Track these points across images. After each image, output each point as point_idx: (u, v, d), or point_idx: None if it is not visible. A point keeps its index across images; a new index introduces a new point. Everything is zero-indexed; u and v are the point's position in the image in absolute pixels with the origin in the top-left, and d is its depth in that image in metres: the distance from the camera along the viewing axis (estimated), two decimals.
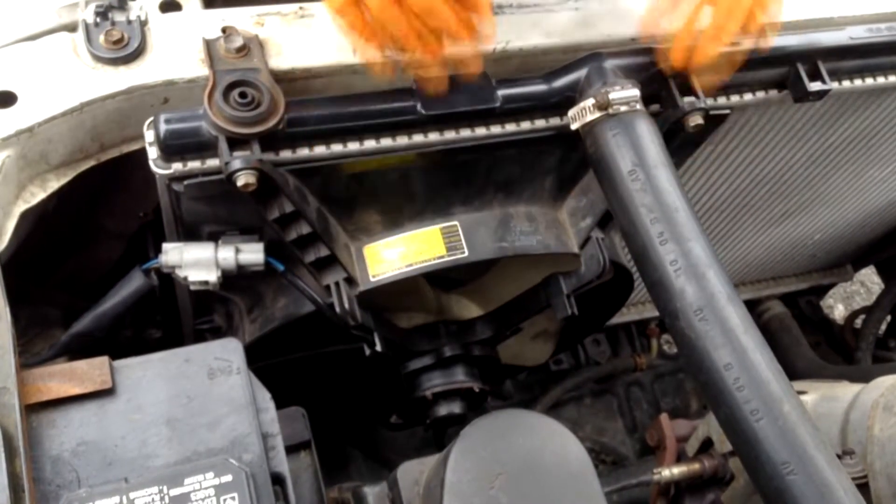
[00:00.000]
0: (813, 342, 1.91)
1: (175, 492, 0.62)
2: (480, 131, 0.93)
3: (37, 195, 0.88)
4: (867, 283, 2.75)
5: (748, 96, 1.04)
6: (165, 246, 0.91)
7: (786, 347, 1.81)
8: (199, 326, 1.13)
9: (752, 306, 1.85)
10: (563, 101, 0.93)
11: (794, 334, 1.85)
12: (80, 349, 0.93)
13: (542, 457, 0.77)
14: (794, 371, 1.70)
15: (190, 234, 0.92)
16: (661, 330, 1.87)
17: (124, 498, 0.62)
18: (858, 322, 1.90)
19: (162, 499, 0.62)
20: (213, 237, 0.92)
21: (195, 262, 0.90)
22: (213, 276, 0.87)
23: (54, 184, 0.89)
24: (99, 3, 0.88)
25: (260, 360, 0.97)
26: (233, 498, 0.63)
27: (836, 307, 2.70)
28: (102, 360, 0.67)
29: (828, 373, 1.68)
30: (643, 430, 1.81)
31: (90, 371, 0.66)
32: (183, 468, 0.64)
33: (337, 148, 0.88)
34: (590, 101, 0.89)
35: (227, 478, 0.64)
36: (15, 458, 0.61)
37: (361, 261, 0.97)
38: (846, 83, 1.08)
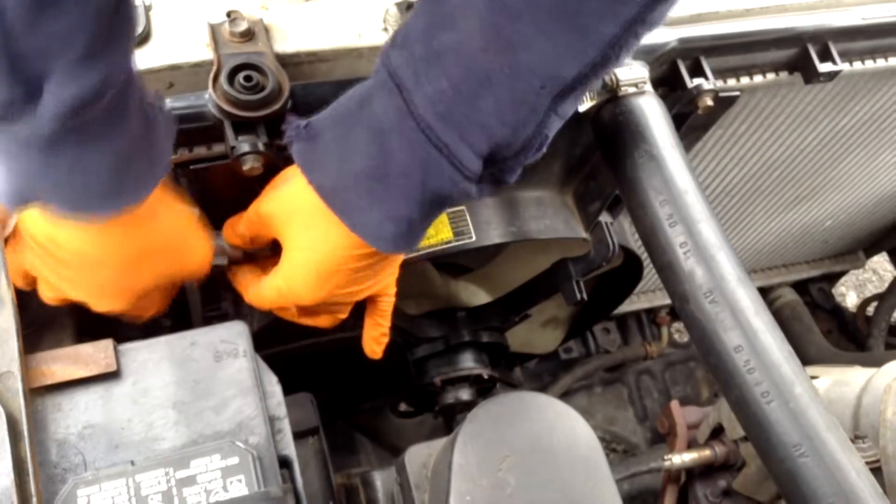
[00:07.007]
0: (825, 330, 1.90)
1: (181, 474, 0.62)
2: None
3: None
4: (879, 272, 2.73)
5: (758, 78, 1.03)
6: None
7: (797, 335, 1.80)
8: (208, 314, 1.12)
9: (764, 294, 1.83)
10: None
11: (805, 322, 1.84)
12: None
13: (551, 439, 0.76)
14: (806, 358, 1.69)
15: None
16: (672, 318, 1.87)
17: (131, 480, 0.62)
18: (871, 310, 1.89)
19: (168, 481, 0.62)
20: (219, 223, 0.91)
21: None
22: (221, 261, 0.87)
23: None
24: None
25: (268, 347, 0.97)
26: (239, 480, 0.62)
27: (849, 295, 2.68)
28: (107, 343, 0.67)
29: (840, 360, 1.67)
30: (654, 419, 1.81)
31: (95, 354, 0.66)
32: (189, 451, 0.64)
33: None
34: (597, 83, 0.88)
35: (234, 460, 0.63)
36: (20, 443, 0.61)
37: None
38: (857, 64, 1.07)
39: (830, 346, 1.78)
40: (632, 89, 0.87)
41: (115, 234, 0.70)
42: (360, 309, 0.93)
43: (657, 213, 0.82)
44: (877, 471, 0.92)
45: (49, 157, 0.59)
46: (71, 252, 0.70)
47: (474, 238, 0.98)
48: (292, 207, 0.75)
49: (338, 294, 0.80)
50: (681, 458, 1.12)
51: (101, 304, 0.76)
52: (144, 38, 0.86)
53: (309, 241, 0.75)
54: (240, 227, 0.84)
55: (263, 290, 0.83)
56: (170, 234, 0.76)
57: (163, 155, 0.71)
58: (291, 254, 0.77)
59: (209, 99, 0.81)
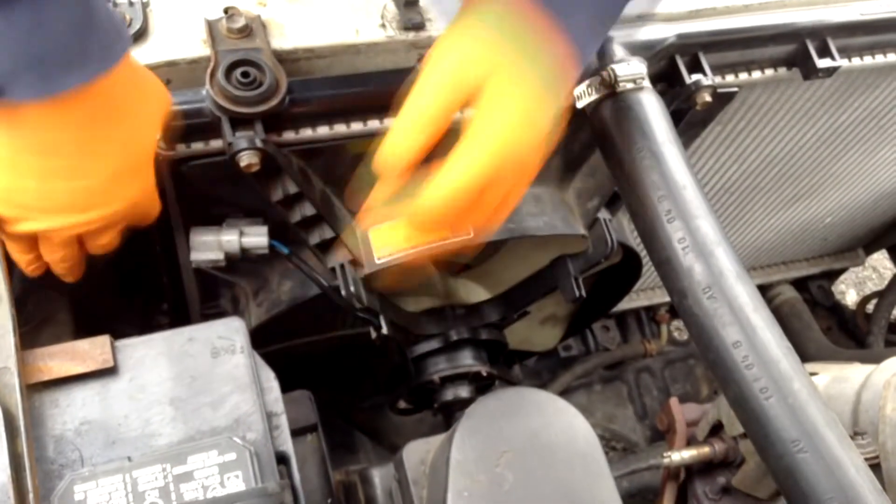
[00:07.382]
0: (824, 327, 1.90)
1: (178, 470, 0.62)
2: None
3: None
4: (879, 269, 2.73)
5: (757, 74, 1.03)
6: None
7: (797, 332, 1.79)
8: (206, 311, 1.12)
9: (763, 291, 1.83)
10: None
11: (805, 319, 1.83)
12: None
13: (549, 435, 0.76)
14: (805, 355, 1.69)
15: (193, 216, 0.91)
16: (671, 316, 1.86)
17: (128, 476, 0.62)
18: (870, 307, 1.89)
19: (165, 477, 0.62)
20: (217, 219, 0.91)
21: (200, 244, 0.90)
22: (218, 256, 0.87)
23: None
24: None
25: (267, 344, 0.97)
26: (236, 476, 0.62)
27: (848, 292, 2.68)
28: (104, 339, 0.67)
29: (839, 357, 1.67)
30: (653, 416, 1.80)
31: (92, 350, 0.66)
32: (186, 447, 0.64)
33: (340, 128, 0.87)
34: (595, 79, 0.88)
35: (231, 456, 0.63)
36: (16, 439, 0.61)
37: (366, 242, 0.96)
38: (856, 60, 1.07)
39: (830, 344, 1.78)
40: (630, 85, 0.87)
41: (98, 101, 0.68)
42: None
43: (655, 209, 0.81)
44: (876, 467, 0.92)
45: (2, 17, 0.58)
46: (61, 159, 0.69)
47: (472, 235, 0.97)
48: (500, 34, 0.67)
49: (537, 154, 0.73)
50: (680, 456, 1.11)
51: (120, 192, 0.73)
52: (142, 34, 0.86)
53: (523, 69, 0.68)
54: (423, 103, 0.69)
55: (450, 174, 0.68)
56: (147, 83, 0.75)
57: (124, 28, 0.69)
58: (505, 90, 0.68)
59: (206, 95, 0.81)
